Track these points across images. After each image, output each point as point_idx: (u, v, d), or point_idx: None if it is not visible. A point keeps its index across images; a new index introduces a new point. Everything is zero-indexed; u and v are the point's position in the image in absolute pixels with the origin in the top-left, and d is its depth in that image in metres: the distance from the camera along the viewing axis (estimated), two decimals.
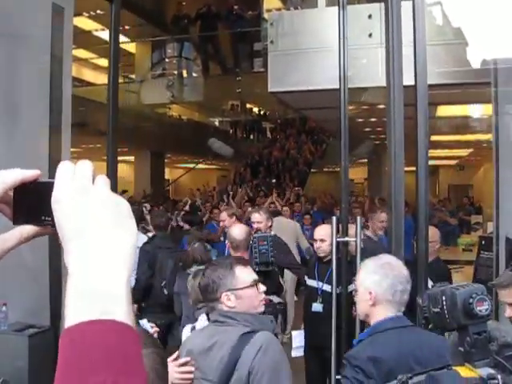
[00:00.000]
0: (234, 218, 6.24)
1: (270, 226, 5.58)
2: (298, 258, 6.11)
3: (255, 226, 5.57)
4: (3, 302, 3.95)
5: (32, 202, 0.81)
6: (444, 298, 1.33)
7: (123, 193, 15.01)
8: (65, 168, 0.75)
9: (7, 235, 0.82)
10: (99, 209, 0.71)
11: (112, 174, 4.10)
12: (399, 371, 2.02)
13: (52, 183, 0.75)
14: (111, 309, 0.64)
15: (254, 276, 2.59)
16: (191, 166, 21.75)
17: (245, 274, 2.54)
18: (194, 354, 2.44)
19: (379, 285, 2.42)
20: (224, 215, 6.36)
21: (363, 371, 2.22)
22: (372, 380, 2.20)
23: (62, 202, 0.72)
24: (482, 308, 1.28)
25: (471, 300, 1.28)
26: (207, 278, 2.55)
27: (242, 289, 2.49)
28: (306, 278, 5.01)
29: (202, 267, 3.89)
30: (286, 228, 7.71)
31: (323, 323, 4.24)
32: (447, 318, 1.31)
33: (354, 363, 2.28)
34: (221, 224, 6.42)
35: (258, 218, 5.49)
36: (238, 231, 4.54)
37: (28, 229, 0.82)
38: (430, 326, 1.43)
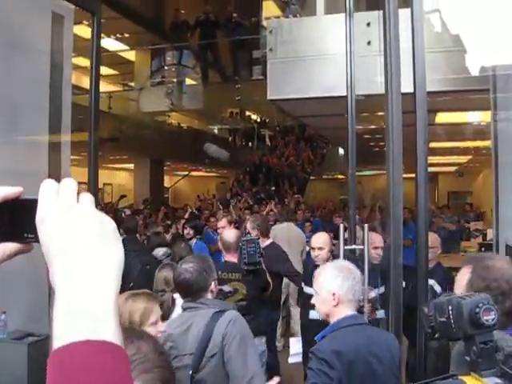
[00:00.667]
0: (232, 225, 6.39)
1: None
2: (300, 267, 6.11)
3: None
4: (2, 311, 3.94)
5: (14, 219, 0.79)
6: (450, 308, 1.33)
7: (121, 198, 15.02)
8: (48, 186, 0.75)
9: None
10: (84, 226, 0.71)
11: (93, 182, 4.13)
12: (358, 363, 2.51)
13: (35, 200, 0.75)
14: (100, 328, 0.64)
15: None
16: (190, 173, 21.77)
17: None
18: (174, 336, 2.87)
19: (341, 286, 2.72)
20: (224, 222, 6.48)
21: (327, 363, 2.48)
22: (335, 371, 2.45)
23: (46, 221, 0.72)
24: (489, 318, 1.28)
25: (477, 310, 1.27)
26: (199, 269, 3.01)
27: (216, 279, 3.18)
28: (303, 285, 5.02)
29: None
30: (295, 234, 7.79)
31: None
32: (453, 328, 1.31)
33: (319, 356, 2.53)
34: (219, 231, 6.46)
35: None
36: (230, 234, 4.90)
37: (10, 246, 0.80)
38: (436, 335, 1.42)
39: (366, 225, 3.87)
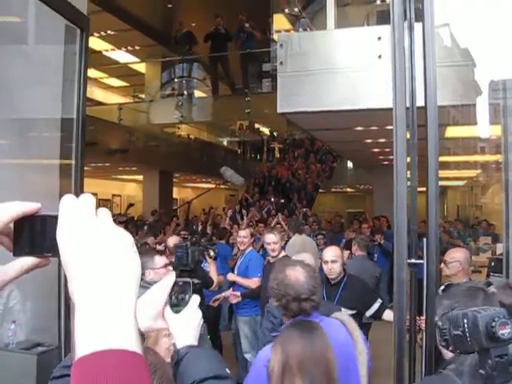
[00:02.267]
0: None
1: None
2: None
3: (270, 246, 5.71)
4: (12, 320, 3.95)
5: (33, 235, 0.82)
6: (465, 321, 1.33)
7: (130, 206, 15.05)
8: (68, 201, 0.77)
9: (8, 267, 0.83)
10: (105, 241, 0.73)
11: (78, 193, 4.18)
12: None
13: (53, 216, 0.78)
14: (121, 338, 0.66)
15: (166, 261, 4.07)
16: (199, 185, 21.81)
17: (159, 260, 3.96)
18: None
19: None
20: (247, 232, 6.64)
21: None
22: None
23: (67, 236, 0.74)
24: (505, 331, 1.28)
25: (493, 323, 1.27)
26: None
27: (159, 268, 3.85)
28: None
29: None
30: (310, 246, 7.78)
31: None
32: (469, 341, 1.31)
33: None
34: (241, 240, 6.51)
35: (273, 238, 5.88)
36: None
37: (29, 261, 0.83)
38: (450, 348, 1.41)
39: (425, 239, 3.78)
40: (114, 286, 0.70)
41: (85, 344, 0.65)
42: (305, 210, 15.30)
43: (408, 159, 3.70)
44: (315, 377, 2.13)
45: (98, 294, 0.69)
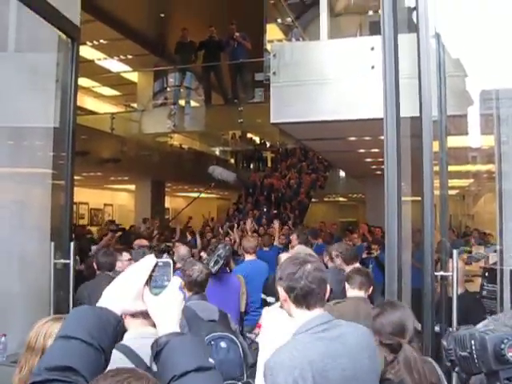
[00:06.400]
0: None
1: None
2: None
3: None
4: (2, 334, 3.89)
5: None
6: (473, 343, 1.29)
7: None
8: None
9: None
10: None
11: (69, 201, 4.20)
12: None
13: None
14: None
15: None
16: (191, 194, 21.72)
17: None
18: None
19: None
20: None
21: None
22: None
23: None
24: None
25: (503, 346, 1.24)
26: None
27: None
28: None
29: None
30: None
31: None
32: (476, 363, 1.27)
33: None
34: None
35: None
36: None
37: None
38: (456, 369, 1.38)
39: (455, 250, 3.68)
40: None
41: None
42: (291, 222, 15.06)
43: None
44: None
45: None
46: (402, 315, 2.69)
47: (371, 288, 4.33)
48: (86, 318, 1.34)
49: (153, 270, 1.46)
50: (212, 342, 2.95)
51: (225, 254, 4.86)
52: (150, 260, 1.47)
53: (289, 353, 2.16)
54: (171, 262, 1.50)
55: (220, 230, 12.51)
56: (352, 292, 4.27)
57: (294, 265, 2.33)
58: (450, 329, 3.53)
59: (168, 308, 1.45)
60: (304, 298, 2.28)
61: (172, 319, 1.45)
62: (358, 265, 5.82)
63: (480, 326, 1.47)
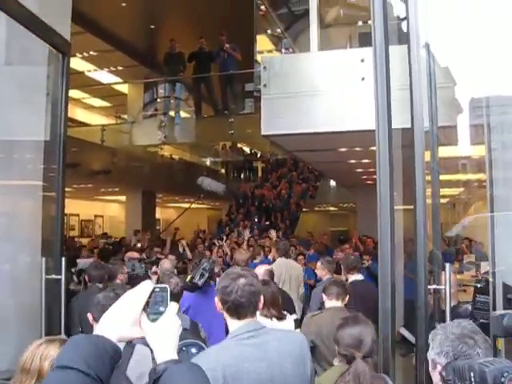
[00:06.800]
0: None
1: None
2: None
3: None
4: None
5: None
6: (472, 375, 1.27)
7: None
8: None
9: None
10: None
11: (60, 213, 4.20)
12: None
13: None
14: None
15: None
16: (182, 205, 21.67)
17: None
18: None
19: None
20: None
21: None
22: None
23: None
24: None
25: (503, 379, 1.21)
26: None
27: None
28: None
29: None
30: (295, 271, 7.78)
31: None
32: None
33: None
34: None
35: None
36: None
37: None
38: None
39: (447, 264, 3.69)
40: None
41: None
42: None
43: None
44: None
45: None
46: (361, 330, 2.90)
47: (347, 297, 4.52)
48: (82, 347, 1.33)
49: (149, 296, 1.46)
50: (184, 348, 3.08)
51: (209, 267, 4.99)
52: (146, 286, 1.47)
53: (208, 356, 2.45)
54: (168, 287, 1.49)
55: (216, 242, 12.41)
56: (330, 303, 4.47)
57: (227, 279, 2.55)
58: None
59: (165, 334, 1.44)
60: (235, 309, 2.51)
61: (169, 346, 1.44)
62: (359, 274, 5.92)
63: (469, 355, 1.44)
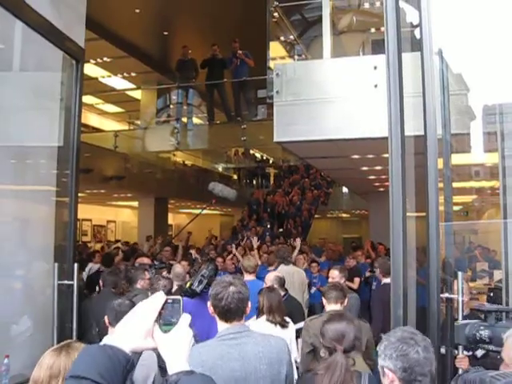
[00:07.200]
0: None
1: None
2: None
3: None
4: (6, 355, 3.86)
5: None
6: None
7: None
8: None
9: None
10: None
11: (73, 218, 4.23)
12: None
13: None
14: None
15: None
16: (194, 211, 21.69)
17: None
18: None
19: None
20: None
21: None
22: None
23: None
24: None
25: None
26: None
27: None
28: None
29: None
30: (298, 277, 7.71)
31: None
32: None
33: None
34: None
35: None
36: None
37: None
38: None
39: (460, 272, 3.67)
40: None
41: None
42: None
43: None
44: None
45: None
46: (345, 326, 3.15)
47: (346, 300, 4.66)
48: (96, 358, 1.35)
49: (162, 308, 1.47)
50: None
51: (208, 273, 4.97)
52: (159, 297, 1.48)
53: (192, 353, 2.54)
54: (181, 298, 1.51)
55: (229, 248, 12.38)
56: (329, 306, 4.58)
57: (219, 287, 2.88)
58: (456, 351, 3.52)
59: (178, 345, 1.46)
60: (224, 314, 2.85)
61: (181, 357, 1.46)
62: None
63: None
